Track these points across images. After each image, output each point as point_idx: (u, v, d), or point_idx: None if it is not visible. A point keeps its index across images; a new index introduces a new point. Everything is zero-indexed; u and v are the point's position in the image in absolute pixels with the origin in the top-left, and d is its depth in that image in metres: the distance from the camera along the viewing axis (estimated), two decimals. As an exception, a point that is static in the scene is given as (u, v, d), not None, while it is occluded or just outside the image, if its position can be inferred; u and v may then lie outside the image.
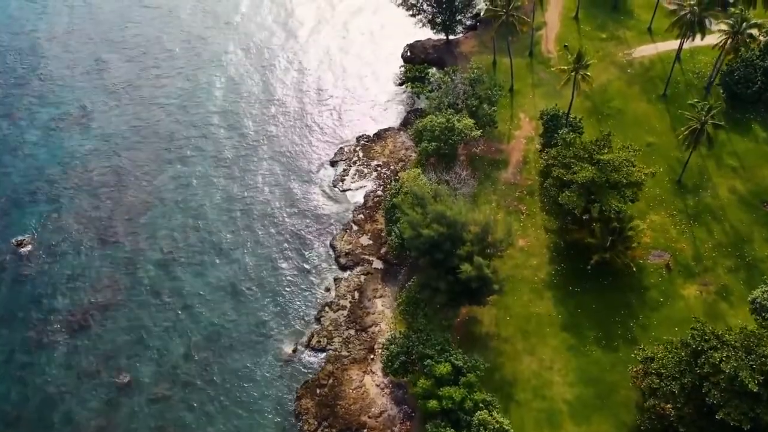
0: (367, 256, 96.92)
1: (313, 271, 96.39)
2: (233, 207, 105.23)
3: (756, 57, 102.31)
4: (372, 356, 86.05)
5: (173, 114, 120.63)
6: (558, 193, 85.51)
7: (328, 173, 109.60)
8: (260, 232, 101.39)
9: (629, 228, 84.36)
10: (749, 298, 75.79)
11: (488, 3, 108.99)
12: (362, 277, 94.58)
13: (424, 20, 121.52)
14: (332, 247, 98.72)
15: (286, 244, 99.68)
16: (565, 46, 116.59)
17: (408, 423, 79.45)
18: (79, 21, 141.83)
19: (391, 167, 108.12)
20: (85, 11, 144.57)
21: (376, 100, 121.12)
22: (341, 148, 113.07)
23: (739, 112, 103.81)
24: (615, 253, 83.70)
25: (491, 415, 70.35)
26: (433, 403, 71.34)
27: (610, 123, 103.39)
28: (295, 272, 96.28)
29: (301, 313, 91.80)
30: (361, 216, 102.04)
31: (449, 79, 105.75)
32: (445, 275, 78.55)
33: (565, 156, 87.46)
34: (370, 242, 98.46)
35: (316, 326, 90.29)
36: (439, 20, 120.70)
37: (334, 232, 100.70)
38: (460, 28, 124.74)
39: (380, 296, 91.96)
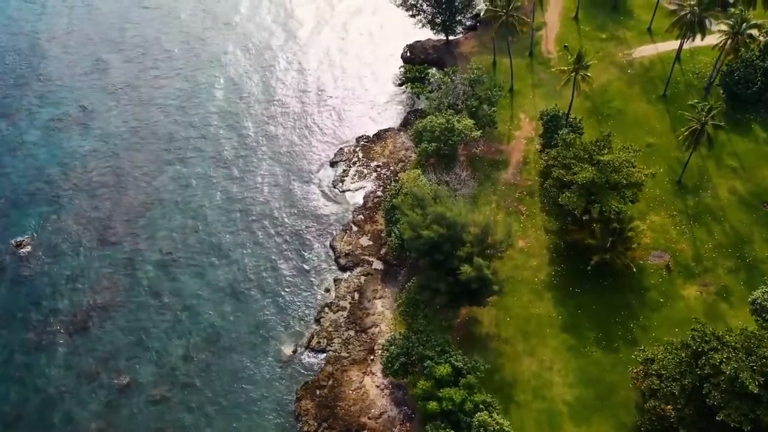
0: (366, 257, 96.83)
1: (313, 272, 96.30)
2: (233, 207, 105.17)
3: (756, 57, 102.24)
4: (372, 357, 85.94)
5: (172, 114, 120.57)
6: (558, 193, 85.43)
7: (328, 174, 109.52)
8: (260, 233, 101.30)
9: (629, 229, 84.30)
10: (749, 299, 75.74)
11: (488, 3, 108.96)
12: (362, 278, 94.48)
13: (424, 21, 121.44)
14: (332, 247, 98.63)
15: (285, 245, 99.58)
16: (565, 46, 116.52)
17: (408, 424, 79.34)
18: (78, 21, 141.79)
19: (391, 168, 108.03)
20: (84, 12, 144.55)
21: (375, 101, 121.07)
22: (341, 148, 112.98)
23: (739, 113, 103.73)
24: (615, 253, 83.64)
25: (491, 417, 70.28)
26: (433, 405, 71.27)
27: (610, 123, 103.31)
28: (295, 273, 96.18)
29: (301, 314, 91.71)
30: (361, 217, 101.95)
31: (449, 80, 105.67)
32: (445, 276, 78.47)
33: (565, 157, 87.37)
34: (370, 243, 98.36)
35: (315, 327, 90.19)
36: (438, 21, 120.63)
37: (334, 232, 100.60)
38: (459, 29, 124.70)
39: (380, 297, 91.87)
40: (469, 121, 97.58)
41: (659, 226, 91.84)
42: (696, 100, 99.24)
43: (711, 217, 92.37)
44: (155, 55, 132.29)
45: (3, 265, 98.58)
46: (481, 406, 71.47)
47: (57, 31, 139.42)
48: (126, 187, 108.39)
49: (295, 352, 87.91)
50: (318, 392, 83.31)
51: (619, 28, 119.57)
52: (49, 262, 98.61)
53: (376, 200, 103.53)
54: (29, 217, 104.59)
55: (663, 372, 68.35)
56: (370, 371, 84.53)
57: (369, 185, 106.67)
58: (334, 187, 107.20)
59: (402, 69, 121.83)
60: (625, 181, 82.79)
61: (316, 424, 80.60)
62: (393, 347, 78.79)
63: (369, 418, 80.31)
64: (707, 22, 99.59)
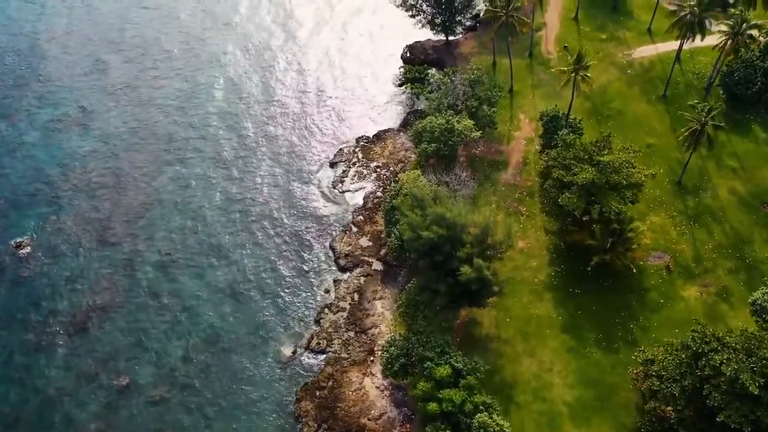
0: (366, 258, 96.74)
1: (313, 273, 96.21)
2: (232, 208, 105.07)
3: (756, 58, 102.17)
4: (372, 358, 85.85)
5: (172, 115, 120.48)
6: (558, 194, 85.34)
7: (328, 174, 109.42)
8: (259, 234, 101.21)
9: (629, 229, 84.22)
10: (750, 300, 75.70)
11: (488, 4, 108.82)
12: (362, 279, 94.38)
13: (424, 21, 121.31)
14: (332, 248, 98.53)
15: (285, 246, 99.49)
16: (565, 47, 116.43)
17: (408, 425, 79.27)
18: (77, 22, 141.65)
19: (391, 168, 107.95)
20: (83, 12, 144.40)
21: (375, 101, 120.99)
22: (341, 149, 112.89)
23: (739, 113, 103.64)
24: (615, 254, 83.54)
25: (491, 418, 70.25)
26: (433, 406, 71.19)
27: (610, 124, 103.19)
28: (295, 274, 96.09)
29: (301, 315, 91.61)
30: (361, 217, 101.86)
31: (449, 80, 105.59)
32: (444, 277, 78.40)
33: (565, 157, 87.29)
34: (370, 244, 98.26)
35: (315, 328, 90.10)
36: (438, 21, 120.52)
37: (334, 233, 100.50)
38: (459, 29, 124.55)
39: (380, 298, 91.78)
40: (469, 122, 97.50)
41: (659, 226, 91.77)
42: (696, 101, 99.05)
43: (711, 218, 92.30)
44: (155, 56, 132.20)
45: (2, 266, 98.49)
46: (481, 407, 71.41)
47: (56, 31, 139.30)
48: (125, 187, 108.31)
49: (294, 353, 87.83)
50: (318, 393, 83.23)
51: (619, 28, 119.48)
52: (48, 263, 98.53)
53: (375, 201, 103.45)
54: (29, 217, 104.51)
55: (663, 373, 68.31)
56: (370, 372, 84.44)
57: (369, 186, 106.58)
58: (334, 187, 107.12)
59: (402, 69, 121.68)
60: (625, 182, 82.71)
61: (315, 425, 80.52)
62: (393, 348, 78.72)
63: (369, 420, 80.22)
64: (707, 22, 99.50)
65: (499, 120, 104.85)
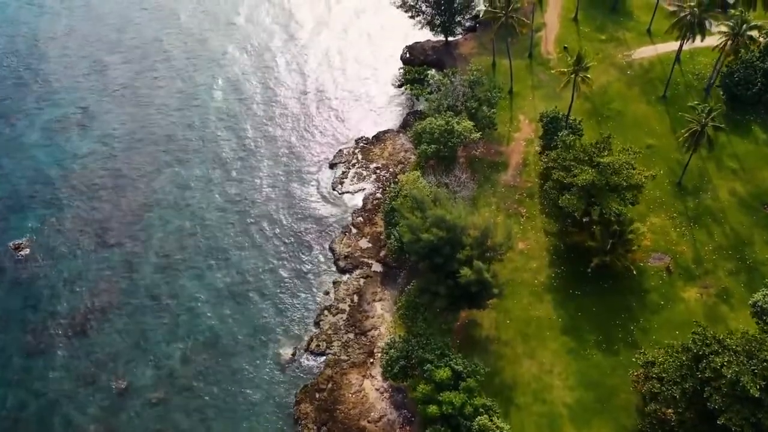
0: (366, 260, 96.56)
1: (312, 275, 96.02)
2: (232, 209, 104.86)
3: (756, 59, 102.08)
4: (371, 360, 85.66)
5: (171, 116, 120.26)
6: (558, 195, 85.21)
7: (327, 175, 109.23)
8: (258, 235, 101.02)
9: (629, 231, 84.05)
10: (750, 302, 75.60)
11: (487, 4, 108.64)
12: (361, 281, 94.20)
13: (423, 22, 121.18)
14: (331, 250, 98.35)
15: (284, 247, 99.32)
16: (565, 47, 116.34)
17: (408, 428, 79.07)
18: (77, 23, 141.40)
19: (390, 170, 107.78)
20: (83, 13, 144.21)
21: (375, 102, 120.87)
22: (340, 150, 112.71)
23: (739, 114, 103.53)
24: (615, 256, 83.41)
25: (491, 420, 70.14)
26: (433, 408, 71.06)
27: (609, 125, 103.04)
28: (294, 275, 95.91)
29: (300, 317, 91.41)
30: (360, 219, 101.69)
31: (448, 81, 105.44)
32: (444, 279, 78.27)
33: (565, 158, 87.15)
34: (370, 245, 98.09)
35: (315, 330, 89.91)
36: (438, 22, 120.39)
37: (333, 234, 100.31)
38: (459, 30, 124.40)
39: (380, 300, 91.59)
40: (469, 123, 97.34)
41: (659, 228, 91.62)
42: (696, 102, 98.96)
43: (711, 219, 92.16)
44: (154, 57, 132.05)
45: (1, 267, 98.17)
46: (481, 409, 71.28)
47: (56, 32, 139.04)
48: (125, 189, 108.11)
49: (294, 355, 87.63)
50: (317, 395, 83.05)
51: (619, 29, 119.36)
52: (47, 265, 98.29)
53: (375, 202, 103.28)
54: (28, 219, 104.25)
55: (664, 375, 68.17)
56: (370, 374, 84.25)
57: (368, 187, 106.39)
58: (334, 189, 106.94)
59: (401, 70, 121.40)
60: (625, 183, 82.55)
61: (315, 427, 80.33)
62: (392, 350, 78.58)
63: (368, 422, 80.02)
64: (707, 23, 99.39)
65: (499, 121, 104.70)
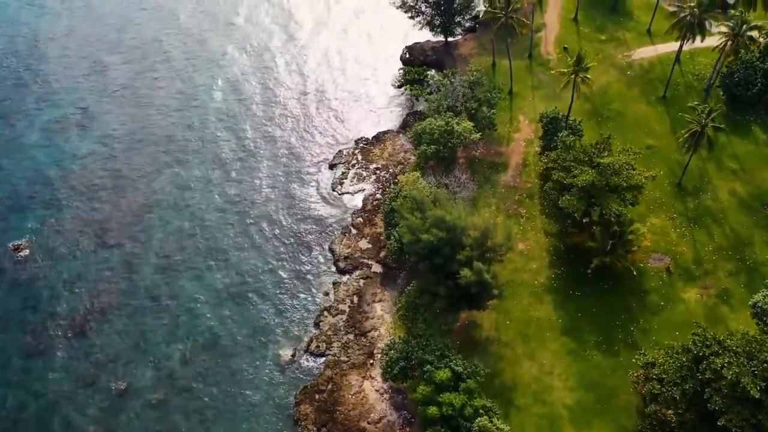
0: (366, 260, 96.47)
1: (312, 275, 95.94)
2: (231, 210, 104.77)
3: (756, 59, 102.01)
4: (371, 361, 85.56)
5: (171, 117, 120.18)
6: (558, 196, 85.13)
7: (327, 176, 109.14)
8: (258, 236, 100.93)
9: (629, 231, 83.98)
10: (750, 303, 75.58)
11: (487, 5, 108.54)
12: (361, 281, 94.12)
13: (423, 22, 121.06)
14: (331, 250, 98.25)
15: (284, 248, 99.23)
16: (565, 48, 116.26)
17: (408, 429, 78.98)
18: (77, 23, 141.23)
19: (390, 170, 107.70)
20: (83, 13, 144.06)
21: (374, 103, 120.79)
22: (340, 150, 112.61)
23: (739, 114, 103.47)
24: (615, 256, 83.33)
25: (491, 422, 70.08)
26: (433, 410, 71.00)
27: (609, 125, 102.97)
28: (294, 276, 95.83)
29: (300, 318, 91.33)
30: (360, 219, 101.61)
31: (448, 82, 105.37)
32: (444, 280, 78.20)
33: (564, 159, 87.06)
34: (369, 246, 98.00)
35: (314, 331, 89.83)
36: (437, 22, 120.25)
37: (333, 235, 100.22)
38: (459, 30, 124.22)
39: (379, 300, 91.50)
40: (469, 124, 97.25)
41: (659, 228, 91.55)
42: (696, 102, 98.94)
43: (711, 220, 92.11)
44: (154, 57, 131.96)
45: (1, 268, 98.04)
46: (481, 410, 71.25)
47: (56, 32, 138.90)
48: (124, 189, 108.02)
49: (294, 356, 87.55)
50: (317, 397, 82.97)
51: (619, 29, 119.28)
52: (47, 266, 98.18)
53: (375, 203, 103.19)
54: (27, 220, 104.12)
55: (664, 376, 68.11)
56: (370, 375, 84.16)
57: (368, 188, 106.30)
58: (333, 189, 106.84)
59: (401, 71, 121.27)
60: (625, 184, 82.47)
61: (315, 428, 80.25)
62: (392, 351, 78.52)
63: (368, 423, 79.94)
64: (707, 23, 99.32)
65: (499, 121, 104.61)
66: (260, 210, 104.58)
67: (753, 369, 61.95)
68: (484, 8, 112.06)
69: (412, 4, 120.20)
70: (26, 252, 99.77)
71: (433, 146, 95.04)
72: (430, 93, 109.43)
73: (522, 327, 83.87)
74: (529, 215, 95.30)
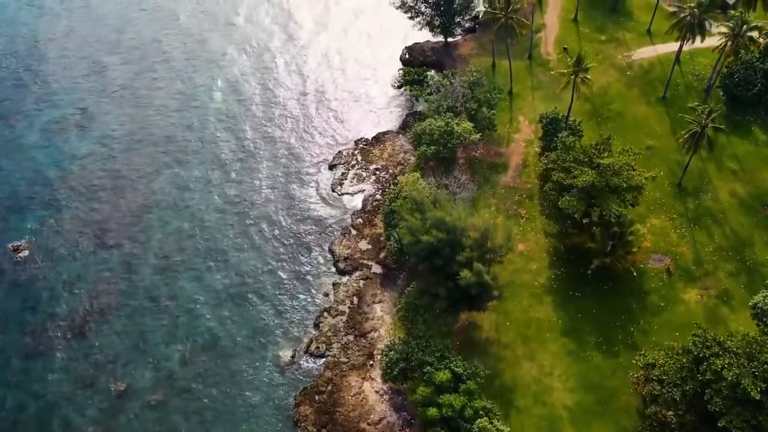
0: (365, 261, 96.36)
1: (311, 276, 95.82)
2: (231, 211, 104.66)
3: (756, 59, 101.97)
4: (371, 362, 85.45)
5: (171, 117, 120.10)
6: (558, 197, 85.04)
7: (327, 177, 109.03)
8: (258, 237, 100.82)
9: (630, 232, 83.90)
10: (750, 303, 75.54)
11: (487, 5, 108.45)
12: (361, 282, 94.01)
13: (423, 23, 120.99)
14: (331, 251, 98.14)
15: (283, 249, 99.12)
16: (565, 48, 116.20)
17: (407, 430, 78.85)
18: (77, 24, 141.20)
19: (390, 171, 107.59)
20: (82, 14, 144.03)
21: (374, 103, 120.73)
22: (340, 151, 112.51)
23: (739, 115, 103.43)
24: (615, 257, 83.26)
25: (491, 423, 70.01)
26: (432, 411, 70.92)
27: (609, 126, 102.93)
28: (293, 277, 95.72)
29: (300, 319, 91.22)
30: (360, 220, 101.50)
31: (448, 82, 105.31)
32: (444, 281, 78.10)
33: (564, 160, 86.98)
34: (369, 247, 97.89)
35: (314, 332, 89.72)
36: (437, 23, 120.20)
37: (333, 236, 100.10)
38: (458, 31, 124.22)
39: (379, 301, 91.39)
40: (469, 124, 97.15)
41: (659, 229, 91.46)
42: (696, 103, 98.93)
43: (711, 220, 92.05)
44: (153, 58, 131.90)
45: (0, 269, 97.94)
46: (481, 412, 71.19)
47: (55, 33, 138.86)
48: (124, 190, 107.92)
49: (293, 357, 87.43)
50: (317, 398, 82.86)
51: (619, 29, 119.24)
52: (46, 266, 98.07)
53: (375, 204, 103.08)
54: (26, 220, 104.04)
55: (664, 377, 68.02)
56: (370, 376, 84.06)
57: (368, 188, 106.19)
58: (333, 190, 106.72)
59: (401, 71, 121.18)
60: (625, 185, 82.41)
61: (315, 429, 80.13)
62: (392, 352, 78.41)
63: (368, 424, 79.82)
64: (707, 23, 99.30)
65: (499, 122, 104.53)
66: (260, 211, 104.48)
67: (753, 370, 61.90)
68: (483, 9, 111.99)
69: (411, 4, 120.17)
70: (26, 253, 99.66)
71: (432, 147, 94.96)
72: (430, 93, 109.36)
73: (522, 328, 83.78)
74: (529, 216, 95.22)
